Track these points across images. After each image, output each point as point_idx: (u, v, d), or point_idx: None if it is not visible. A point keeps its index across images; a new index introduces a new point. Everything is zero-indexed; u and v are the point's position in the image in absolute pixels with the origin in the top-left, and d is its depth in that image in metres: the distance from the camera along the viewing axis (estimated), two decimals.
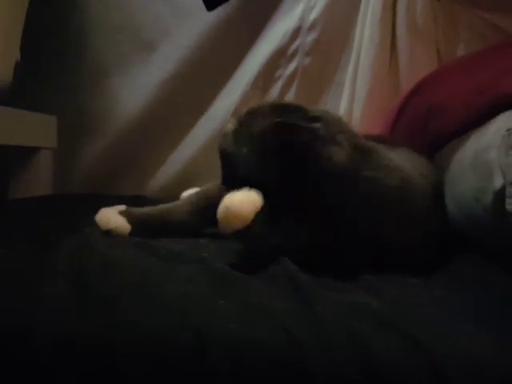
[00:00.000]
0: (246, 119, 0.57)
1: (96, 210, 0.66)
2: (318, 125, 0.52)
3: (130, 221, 0.63)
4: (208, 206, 0.65)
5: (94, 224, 0.64)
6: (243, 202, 0.50)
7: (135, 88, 1.13)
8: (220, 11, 1.00)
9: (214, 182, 0.66)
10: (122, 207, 0.65)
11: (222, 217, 0.51)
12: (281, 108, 0.56)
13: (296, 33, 1.07)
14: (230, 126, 0.58)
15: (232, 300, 0.42)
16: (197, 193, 0.70)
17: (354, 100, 1.03)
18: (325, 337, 0.38)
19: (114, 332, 0.38)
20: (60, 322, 0.38)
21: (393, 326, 0.39)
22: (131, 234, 0.62)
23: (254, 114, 0.57)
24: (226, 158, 0.59)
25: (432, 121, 0.76)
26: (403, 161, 0.61)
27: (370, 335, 0.38)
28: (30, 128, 1.04)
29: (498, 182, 0.52)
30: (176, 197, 0.91)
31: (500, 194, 0.52)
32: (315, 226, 0.52)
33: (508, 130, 0.53)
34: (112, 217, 0.63)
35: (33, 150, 1.05)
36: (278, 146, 0.52)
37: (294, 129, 0.52)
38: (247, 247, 0.54)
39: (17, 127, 0.98)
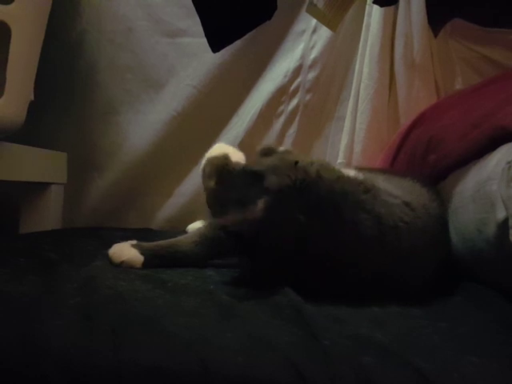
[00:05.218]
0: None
1: (105, 244, 0.67)
2: None
3: (142, 252, 0.65)
4: (215, 236, 0.66)
5: (104, 257, 0.65)
6: (221, 147, 0.65)
7: (143, 125, 1.16)
8: (224, 52, 1.04)
9: None
10: (133, 242, 0.67)
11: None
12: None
13: (297, 71, 1.11)
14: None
15: (238, 333, 0.42)
16: (205, 224, 0.71)
17: (354, 134, 1.05)
18: (332, 372, 0.37)
19: (120, 364, 0.38)
20: (67, 353, 0.38)
21: (398, 359, 0.39)
22: (144, 264, 0.64)
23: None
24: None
25: (431, 153, 0.77)
26: (405, 192, 0.62)
27: (376, 369, 0.38)
28: (41, 164, 1.06)
29: (500, 214, 0.53)
30: (182, 229, 0.93)
31: (503, 226, 0.53)
32: None
33: (508, 162, 0.54)
34: (125, 249, 0.65)
35: (43, 186, 1.06)
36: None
37: None
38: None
39: (28, 164, 1.01)
